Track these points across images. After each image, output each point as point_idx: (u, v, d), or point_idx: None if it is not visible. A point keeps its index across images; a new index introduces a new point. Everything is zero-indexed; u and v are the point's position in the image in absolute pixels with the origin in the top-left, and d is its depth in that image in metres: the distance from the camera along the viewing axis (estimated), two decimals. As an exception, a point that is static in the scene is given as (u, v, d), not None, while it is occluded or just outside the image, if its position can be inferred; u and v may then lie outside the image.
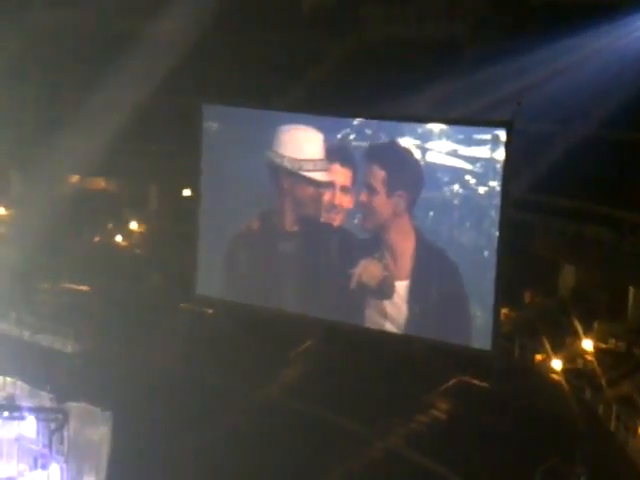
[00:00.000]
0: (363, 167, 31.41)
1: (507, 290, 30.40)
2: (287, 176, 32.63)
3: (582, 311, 31.00)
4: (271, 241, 33.47)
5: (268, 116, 33.39)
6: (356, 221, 31.72)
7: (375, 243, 31.42)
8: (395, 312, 31.19)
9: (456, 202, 30.11)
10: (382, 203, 31.05)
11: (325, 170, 32.04)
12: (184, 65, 36.39)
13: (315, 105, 33.26)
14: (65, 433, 26.16)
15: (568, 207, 30.64)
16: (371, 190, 31.09)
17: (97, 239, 41.68)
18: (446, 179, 30.24)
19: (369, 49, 35.52)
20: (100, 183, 44.27)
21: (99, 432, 26.33)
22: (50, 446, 25.99)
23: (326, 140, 32.08)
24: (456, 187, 30.02)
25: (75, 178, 43.38)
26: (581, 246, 30.30)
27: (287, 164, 32.46)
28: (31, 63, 40.53)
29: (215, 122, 34.47)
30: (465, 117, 30.53)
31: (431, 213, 30.59)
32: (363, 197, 31.37)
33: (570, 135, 30.59)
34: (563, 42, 30.63)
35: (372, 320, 31.72)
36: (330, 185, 32.04)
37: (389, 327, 31.49)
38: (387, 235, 31.12)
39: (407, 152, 30.81)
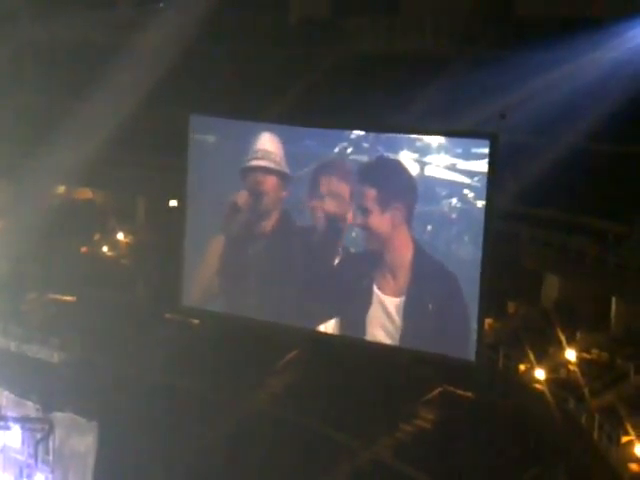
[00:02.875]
0: (357, 187, 31.39)
1: (491, 300, 30.55)
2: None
3: (566, 321, 31.07)
4: (257, 250, 33.36)
5: (255, 128, 33.41)
6: (354, 234, 31.61)
7: (373, 258, 31.49)
8: (391, 325, 31.15)
9: (454, 216, 30.10)
10: (378, 220, 30.99)
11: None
12: (172, 77, 36.45)
13: (301, 117, 33.35)
14: (51, 443, 26.28)
15: (553, 218, 30.73)
16: (364, 211, 31.04)
17: (84, 250, 41.64)
18: (444, 193, 30.16)
19: (355, 62, 35.65)
20: (87, 194, 44.27)
21: (85, 442, 26.41)
22: (36, 456, 26.10)
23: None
24: (454, 201, 29.98)
25: (62, 189, 43.39)
26: (565, 257, 30.39)
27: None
28: (18, 75, 40.55)
29: (202, 134, 34.54)
30: (450, 129, 30.57)
31: (429, 227, 30.51)
32: (358, 220, 31.24)
33: (556, 147, 30.71)
34: (549, 55, 30.84)
35: (370, 333, 31.56)
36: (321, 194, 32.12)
37: (385, 339, 31.37)
38: (387, 250, 31.09)
39: (396, 163, 30.83)
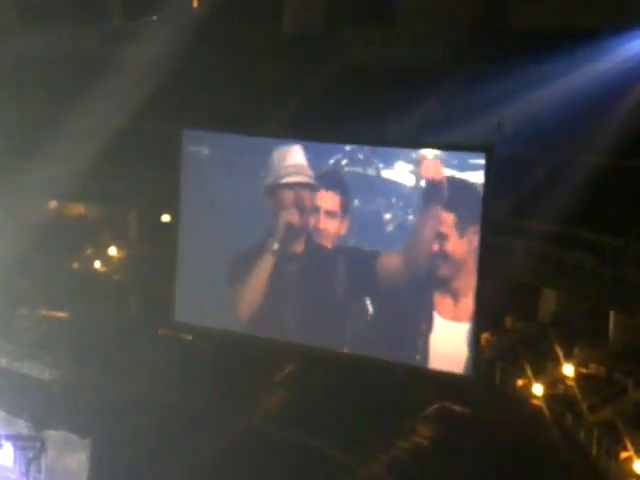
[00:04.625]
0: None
1: (488, 315, 30.42)
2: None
3: (563, 336, 31.01)
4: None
5: (249, 142, 33.28)
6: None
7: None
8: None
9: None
10: (455, 243, 30.64)
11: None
12: (165, 90, 36.34)
13: (296, 130, 33.23)
14: (43, 461, 26.03)
15: (549, 232, 30.61)
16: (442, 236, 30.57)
17: (76, 265, 41.40)
18: None
19: (350, 75, 35.55)
20: (79, 208, 44.05)
21: (77, 460, 26.19)
22: (28, 474, 25.86)
23: (315, 166, 31.90)
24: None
25: (53, 203, 43.14)
26: (562, 271, 30.27)
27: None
28: (8, 88, 40.35)
29: (195, 147, 34.35)
30: (445, 142, 30.48)
31: None
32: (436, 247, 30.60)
33: (552, 160, 30.65)
34: (545, 68, 30.79)
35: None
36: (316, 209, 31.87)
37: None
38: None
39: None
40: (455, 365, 30.23)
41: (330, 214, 31.69)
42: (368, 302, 31.31)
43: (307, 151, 32.09)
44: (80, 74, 38.77)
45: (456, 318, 30.19)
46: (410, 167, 30.49)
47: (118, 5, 42.13)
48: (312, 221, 31.89)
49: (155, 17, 39.49)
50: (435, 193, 30.16)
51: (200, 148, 34.30)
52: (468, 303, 30.01)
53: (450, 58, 34.91)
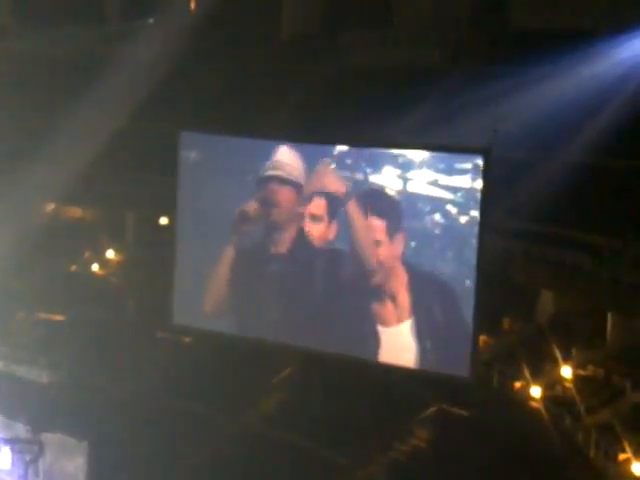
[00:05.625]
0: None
1: (486, 317, 30.40)
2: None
3: (561, 338, 30.96)
4: (273, 268, 32.99)
5: (246, 144, 33.24)
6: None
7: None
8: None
9: (437, 232, 29.98)
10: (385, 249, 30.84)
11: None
12: (162, 92, 36.33)
13: (293, 133, 33.21)
14: (40, 464, 26.02)
15: (547, 233, 30.64)
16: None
17: (73, 268, 41.38)
18: (427, 209, 29.97)
19: (347, 77, 35.57)
20: (76, 211, 44.02)
21: (75, 463, 26.23)
22: (25, 478, 25.83)
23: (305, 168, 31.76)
24: (437, 217, 29.86)
25: (51, 206, 43.11)
26: (560, 272, 30.28)
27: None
28: (4, 89, 40.30)
29: (193, 150, 34.25)
30: (443, 144, 30.44)
31: (413, 243, 30.38)
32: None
33: (550, 162, 30.63)
34: (544, 69, 30.81)
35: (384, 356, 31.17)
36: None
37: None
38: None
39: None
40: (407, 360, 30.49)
41: (315, 218, 31.52)
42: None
43: (295, 153, 31.94)
44: (77, 76, 38.76)
45: (399, 320, 30.47)
46: (398, 172, 30.45)
47: (115, 7, 42.24)
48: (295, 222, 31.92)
49: (152, 19, 39.51)
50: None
51: (197, 150, 34.20)
52: (405, 300, 30.27)
53: (448, 59, 34.96)
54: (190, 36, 36.37)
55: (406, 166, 30.35)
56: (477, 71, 32.23)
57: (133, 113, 36.60)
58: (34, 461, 26.14)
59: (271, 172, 32.19)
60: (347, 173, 31.24)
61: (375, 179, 30.85)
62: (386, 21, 36.76)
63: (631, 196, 29.55)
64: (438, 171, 29.82)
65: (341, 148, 31.47)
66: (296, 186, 31.92)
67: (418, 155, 30.29)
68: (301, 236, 31.95)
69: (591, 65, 30.61)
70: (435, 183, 29.85)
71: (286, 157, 32.07)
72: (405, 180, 30.31)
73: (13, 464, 26.49)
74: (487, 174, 29.20)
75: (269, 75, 37.03)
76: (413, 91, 32.24)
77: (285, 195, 32.14)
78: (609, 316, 30.78)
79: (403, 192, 30.38)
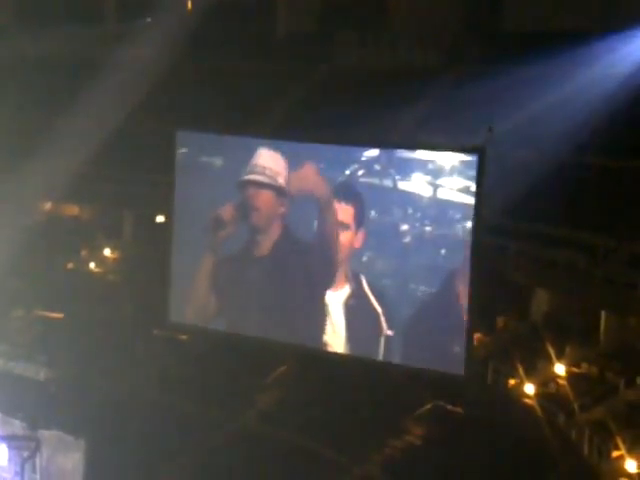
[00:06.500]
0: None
1: (480, 315, 30.52)
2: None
3: (555, 336, 31.09)
4: (257, 269, 33.11)
5: (242, 143, 33.33)
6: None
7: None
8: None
9: (468, 239, 29.71)
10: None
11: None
12: (158, 91, 36.40)
13: (289, 132, 33.29)
14: (38, 461, 26.04)
15: (541, 232, 30.76)
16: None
17: (70, 266, 41.43)
18: (458, 216, 29.88)
19: (342, 76, 35.65)
20: (73, 210, 44.06)
21: (72, 460, 26.22)
22: (22, 474, 25.89)
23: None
24: (469, 224, 29.62)
25: (48, 205, 43.17)
26: (554, 271, 30.39)
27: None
28: (2, 89, 40.36)
29: (189, 148, 34.43)
30: (437, 143, 30.47)
31: (443, 251, 30.23)
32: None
33: (544, 161, 30.72)
34: (537, 70, 30.91)
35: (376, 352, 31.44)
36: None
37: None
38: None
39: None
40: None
41: (343, 226, 31.37)
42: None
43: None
44: (74, 76, 38.79)
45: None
46: (427, 178, 30.16)
47: (112, 7, 42.29)
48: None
49: (149, 19, 39.57)
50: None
51: (194, 149, 34.36)
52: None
53: (443, 59, 35.04)
54: (186, 36, 36.43)
55: (436, 173, 30.09)
56: (472, 71, 32.32)
57: (130, 112, 36.63)
58: (31, 458, 26.15)
59: (249, 177, 32.34)
60: (375, 180, 31.04)
61: (404, 186, 30.62)
62: (382, 22, 36.82)
63: (625, 195, 29.70)
64: (468, 178, 29.64)
65: (370, 153, 31.25)
66: (276, 189, 32.06)
67: (448, 161, 29.97)
68: (284, 237, 32.16)
69: (586, 65, 30.74)
70: (466, 190, 29.68)
71: (266, 160, 32.14)
72: (435, 187, 30.08)
73: (10, 461, 26.49)
74: (481, 173, 29.30)
75: (268, 74, 37.11)
76: (408, 92, 32.32)
77: (264, 198, 32.30)
78: (603, 314, 30.89)
79: (433, 198, 30.17)
